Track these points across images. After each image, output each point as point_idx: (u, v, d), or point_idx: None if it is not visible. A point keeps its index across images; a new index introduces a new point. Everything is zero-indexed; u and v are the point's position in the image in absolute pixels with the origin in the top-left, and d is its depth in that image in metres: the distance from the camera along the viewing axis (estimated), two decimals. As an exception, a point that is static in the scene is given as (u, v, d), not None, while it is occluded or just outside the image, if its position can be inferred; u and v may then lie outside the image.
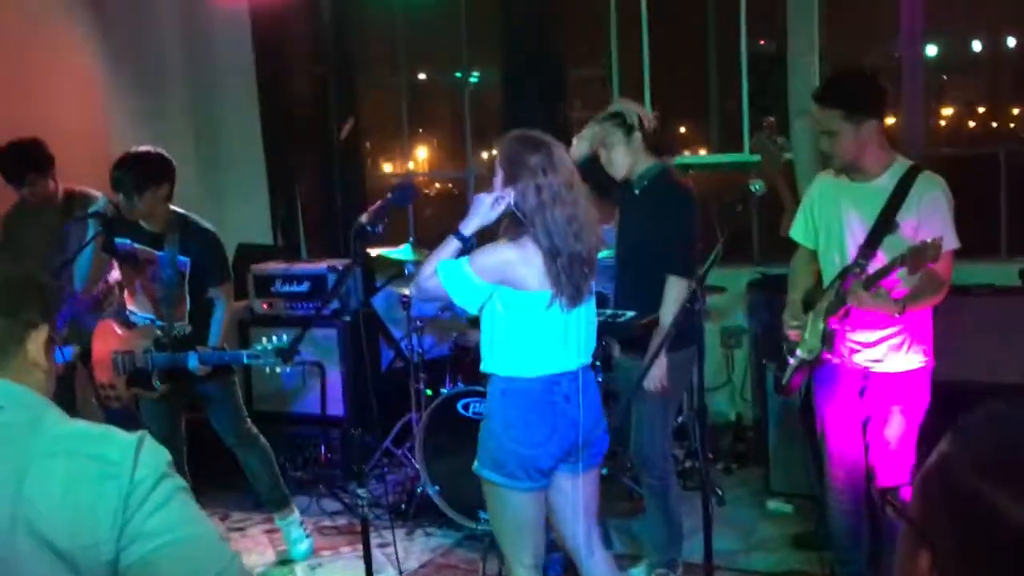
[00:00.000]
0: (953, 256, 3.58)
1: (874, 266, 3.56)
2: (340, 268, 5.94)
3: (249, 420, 4.95)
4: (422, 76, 7.71)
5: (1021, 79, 6.65)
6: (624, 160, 4.23)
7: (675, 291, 4.01)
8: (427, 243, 3.37)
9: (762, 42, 6.38)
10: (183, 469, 4.77)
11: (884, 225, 3.60)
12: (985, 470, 0.95)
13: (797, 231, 3.96)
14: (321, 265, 6.15)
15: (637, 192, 4.26)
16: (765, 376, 5.10)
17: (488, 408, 3.39)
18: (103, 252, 4.84)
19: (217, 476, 5.27)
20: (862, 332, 3.70)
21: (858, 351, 3.73)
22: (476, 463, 3.34)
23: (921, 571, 0.99)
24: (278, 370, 4.31)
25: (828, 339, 3.67)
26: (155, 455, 1.55)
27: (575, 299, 3.25)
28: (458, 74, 7.22)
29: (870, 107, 3.63)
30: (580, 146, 4.23)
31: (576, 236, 3.20)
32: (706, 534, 3.57)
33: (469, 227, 3.28)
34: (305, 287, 6.08)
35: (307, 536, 5.05)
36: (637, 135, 4.19)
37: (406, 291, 5.45)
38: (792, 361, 3.84)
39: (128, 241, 4.61)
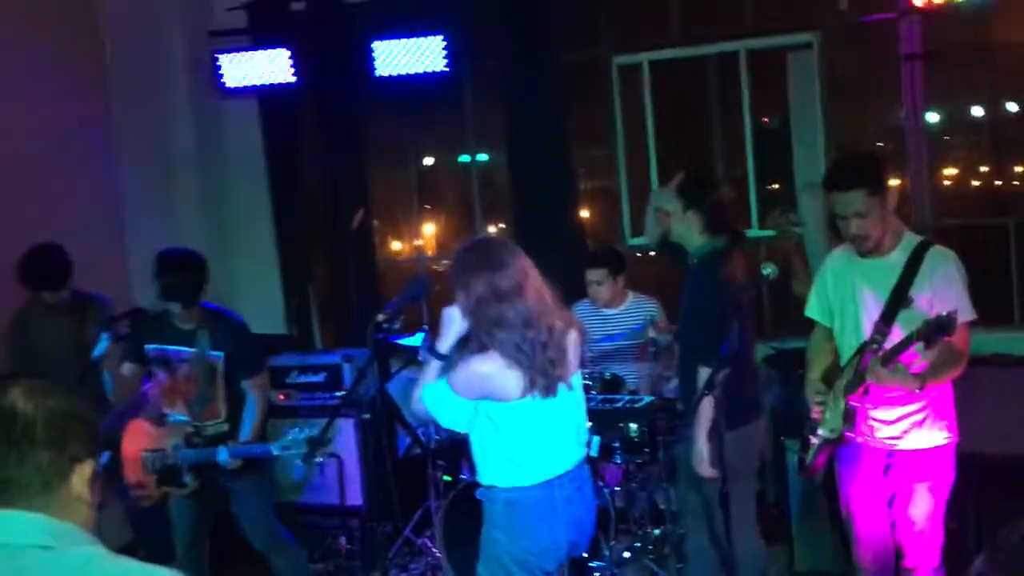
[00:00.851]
0: (970, 327, 3.57)
1: (891, 342, 3.55)
2: (354, 356, 5.94)
3: (278, 523, 4.81)
4: (429, 161, 7.78)
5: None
6: (677, 230, 4.24)
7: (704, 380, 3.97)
8: (436, 323, 3.43)
9: (765, 120, 6.47)
10: (204, 566, 4.73)
11: (898, 300, 3.60)
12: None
13: (812, 309, 3.97)
14: (336, 355, 6.15)
15: (692, 266, 4.25)
16: (785, 451, 5.06)
17: (490, 517, 3.34)
18: (136, 363, 4.63)
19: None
20: (883, 409, 3.68)
21: (880, 429, 3.71)
22: (480, 566, 3.33)
23: None
24: (317, 460, 4.19)
25: (849, 417, 3.65)
26: None
27: (549, 387, 3.20)
28: (465, 158, 7.29)
29: (883, 178, 3.68)
30: (648, 227, 4.47)
31: (527, 324, 3.14)
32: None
33: (445, 345, 3.28)
34: (321, 377, 6.06)
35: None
36: (691, 212, 4.16)
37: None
38: (814, 441, 3.81)
39: (156, 346, 4.53)
